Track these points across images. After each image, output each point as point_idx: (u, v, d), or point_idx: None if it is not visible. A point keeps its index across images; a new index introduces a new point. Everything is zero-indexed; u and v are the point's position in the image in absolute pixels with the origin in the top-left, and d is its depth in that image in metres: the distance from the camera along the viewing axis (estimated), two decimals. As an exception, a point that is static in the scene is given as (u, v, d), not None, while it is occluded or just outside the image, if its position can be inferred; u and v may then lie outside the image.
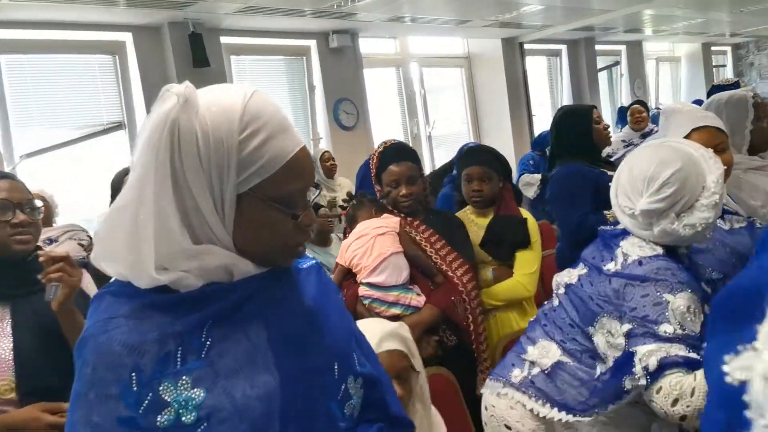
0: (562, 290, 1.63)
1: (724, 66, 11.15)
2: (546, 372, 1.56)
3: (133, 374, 0.84)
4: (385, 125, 6.46)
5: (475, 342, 2.23)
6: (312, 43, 5.72)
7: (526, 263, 2.43)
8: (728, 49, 11.09)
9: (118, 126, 4.75)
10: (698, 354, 1.30)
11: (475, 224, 2.51)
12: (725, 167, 1.85)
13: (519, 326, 2.42)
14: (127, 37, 4.69)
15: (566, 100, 7.89)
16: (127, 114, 4.76)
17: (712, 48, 10.58)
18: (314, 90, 5.78)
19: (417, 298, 2.14)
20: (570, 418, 1.47)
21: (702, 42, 10.20)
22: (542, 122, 7.62)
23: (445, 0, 5.34)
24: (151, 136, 0.86)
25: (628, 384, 1.34)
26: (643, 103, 6.05)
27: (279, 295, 0.96)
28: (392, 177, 2.28)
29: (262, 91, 0.92)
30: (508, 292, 2.43)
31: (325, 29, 5.65)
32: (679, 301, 1.34)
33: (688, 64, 10.49)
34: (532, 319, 1.71)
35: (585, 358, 1.50)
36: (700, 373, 1.25)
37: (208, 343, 0.88)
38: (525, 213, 2.50)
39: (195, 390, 0.85)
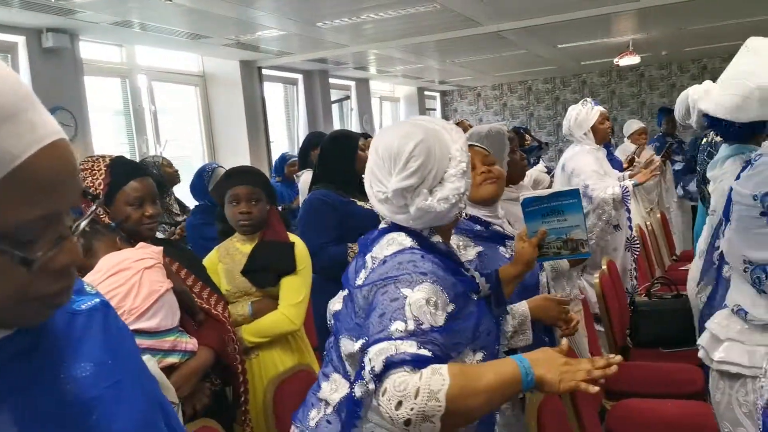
0: (333, 321, 1.49)
1: (434, 110, 12.47)
2: (336, 408, 1.40)
3: None
4: (109, 141, 5.78)
5: (243, 384, 1.98)
6: (20, 40, 4.85)
7: (292, 292, 2.25)
8: (437, 95, 12.45)
9: None
10: (434, 349, 1.20)
11: (241, 252, 2.26)
12: (498, 176, 1.94)
13: (285, 366, 2.22)
14: None
15: (302, 128, 7.98)
16: None
17: (425, 92, 11.77)
18: (20, 94, 4.88)
19: (191, 341, 1.79)
20: None
21: (417, 86, 11.29)
22: (280, 149, 7.59)
23: (179, 11, 4.97)
24: None
25: (358, 391, 1.22)
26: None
27: (36, 368, 0.63)
28: (137, 194, 1.88)
29: None
30: (271, 327, 2.22)
31: (37, 25, 4.84)
32: (418, 294, 1.25)
33: (406, 104, 11.50)
34: (326, 352, 1.54)
35: None
36: (426, 372, 1.15)
37: None
38: (293, 237, 2.32)
39: None
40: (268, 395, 1.97)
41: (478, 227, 1.94)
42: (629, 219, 3.70)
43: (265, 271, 2.24)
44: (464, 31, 6.37)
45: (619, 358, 1.24)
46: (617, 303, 3.33)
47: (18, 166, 0.55)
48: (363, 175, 2.60)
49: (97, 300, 0.73)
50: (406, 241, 1.38)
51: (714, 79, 3.61)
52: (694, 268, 2.76)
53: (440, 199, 1.35)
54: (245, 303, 2.24)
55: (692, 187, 5.89)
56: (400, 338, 1.19)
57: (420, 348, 1.18)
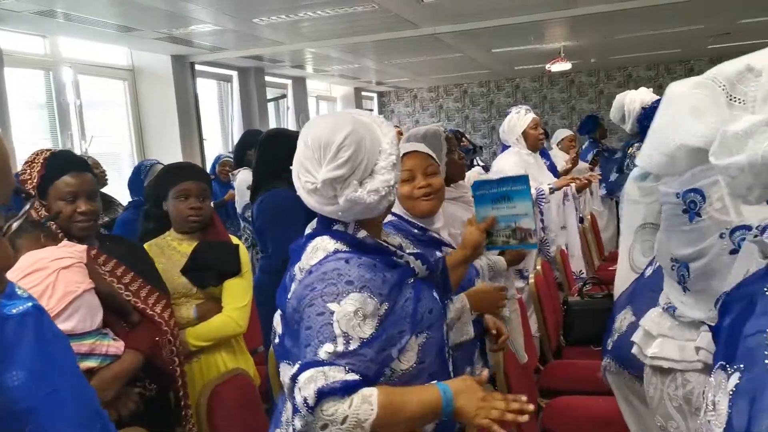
0: (277, 339, 1.44)
1: (372, 110, 12.49)
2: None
3: None
4: (31, 136, 5.49)
5: (182, 389, 1.91)
6: (-69, 27, 4.55)
7: (237, 295, 2.20)
8: (375, 95, 12.48)
9: None
10: (360, 368, 1.21)
11: (179, 252, 2.18)
12: (437, 190, 1.92)
13: (227, 367, 2.18)
14: None
15: (237, 126, 7.81)
16: None
17: (363, 93, 11.77)
18: (-68, 85, 4.58)
19: (115, 344, 1.72)
20: None
21: (354, 86, 11.27)
22: (213, 147, 7.42)
23: (108, 1, 4.78)
24: None
25: (298, 423, 1.19)
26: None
27: None
28: (69, 189, 1.81)
29: None
30: (217, 330, 2.17)
31: (-49, 12, 4.55)
32: (345, 307, 1.24)
33: (343, 104, 11.46)
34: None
35: None
36: (356, 400, 1.17)
37: None
38: (236, 240, 2.27)
39: None
40: (202, 398, 1.91)
41: (416, 231, 1.94)
42: (542, 221, 3.83)
43: (208, 270, 2.18)
44: (401, 32, 6.40)
45: (531, 407, 1.27)
46: (551, 303, 3.41)
47: None
48: None
49: (30, 304, 0.67)
50: (330, 245, 1.35)
51: (638, 87, 3.77)
52: (623, 274, 2.81)
53: (370, 191, 1.33)
54: (190, 306, 2.18)
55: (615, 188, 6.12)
56: (329, 363, 1.19)
57: (348, 372, 1.19)
